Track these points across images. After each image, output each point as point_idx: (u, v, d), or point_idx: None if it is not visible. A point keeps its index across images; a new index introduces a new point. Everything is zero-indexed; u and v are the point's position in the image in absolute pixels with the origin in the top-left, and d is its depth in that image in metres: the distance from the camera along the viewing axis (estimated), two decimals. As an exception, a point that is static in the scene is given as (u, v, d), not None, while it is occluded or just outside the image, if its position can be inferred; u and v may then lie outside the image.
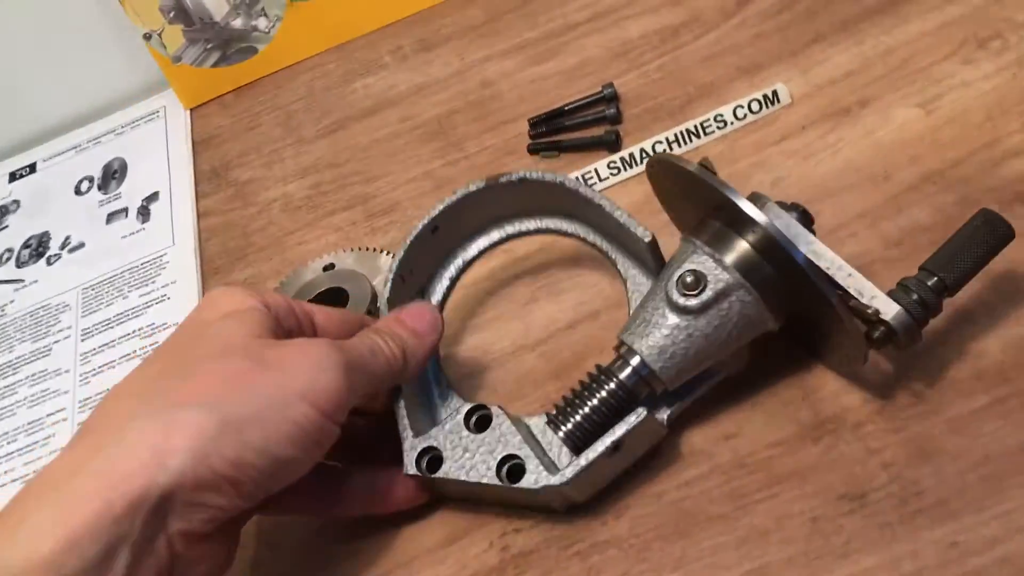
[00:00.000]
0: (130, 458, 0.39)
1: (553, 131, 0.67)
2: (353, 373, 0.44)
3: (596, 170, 0.62)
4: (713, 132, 0.62)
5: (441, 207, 0.53)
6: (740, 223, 0.45)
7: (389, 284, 0.52)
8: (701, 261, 0.46)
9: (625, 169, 0.62)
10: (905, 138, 0.57)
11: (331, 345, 0.44)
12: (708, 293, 0.45)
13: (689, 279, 0.46)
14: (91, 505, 0.38)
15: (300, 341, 0.45)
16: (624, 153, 0.62)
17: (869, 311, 0.43)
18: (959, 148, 0.56)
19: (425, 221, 0.53)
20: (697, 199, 0.48)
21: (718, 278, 0.46)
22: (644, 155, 0.62)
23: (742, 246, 0.46)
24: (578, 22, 0.75)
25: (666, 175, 0.50)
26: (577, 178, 0.62)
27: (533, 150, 0.66)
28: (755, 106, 0.62)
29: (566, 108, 0.67)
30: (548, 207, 0.55)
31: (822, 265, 0.46)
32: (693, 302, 0.46)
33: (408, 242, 0.53)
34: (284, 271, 0.66)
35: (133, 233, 0.73)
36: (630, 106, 0.66)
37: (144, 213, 0.74)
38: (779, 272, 0.45)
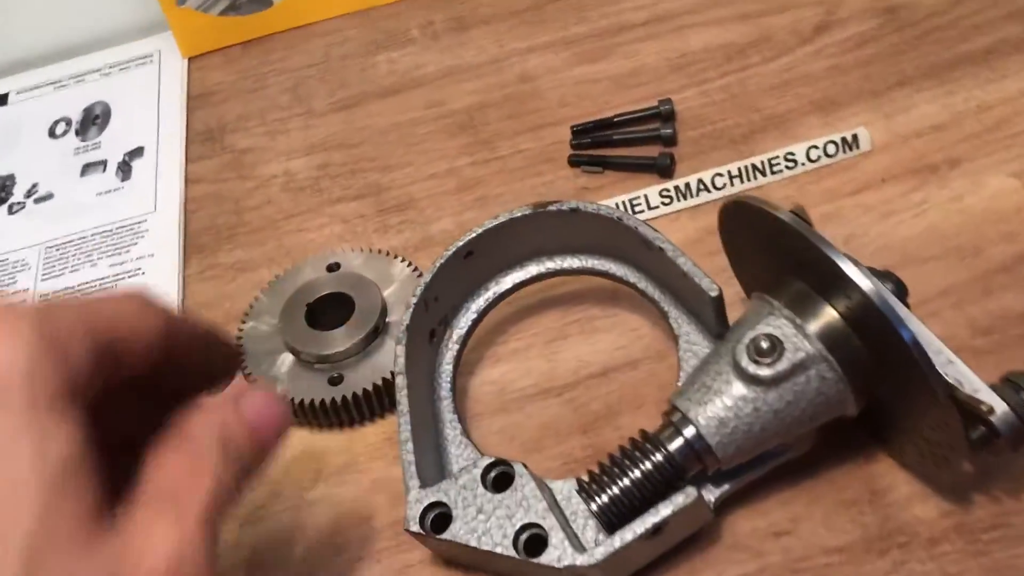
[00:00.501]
0: None
1: (598, 143, 0.60)
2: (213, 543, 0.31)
3: (646, 196, 0.55)
4: (781, 171, 0.55)
5: (479, 231, 0.46)
6: (831, 287, 0.39)
7: (411, 310, 0.45)
8: (779, 325, 0.40)
9: (678, 199, 0.55)
10: (999, 210, 0.51)
11: (192, 531, 0.30)
12: (784, 363, 0.39)
13: (764, 344, 0.39)
14: None
15: (150, 526, 0.30)
16: (679, 182, 0.56)
17: (983, 407, 0.37)
18: (1059, 230, 0.50)
19: (459, 244, 0.46)
20: (779, 252, 0.42)
21: (797, 347, 0.39)
22: (701, 186, 0.55)
23: (829, 314, 0.40)
24: (634, 23, 0.68)
25: (742, 219, 0.44)
26: (624, 203, 0.55)
27: (575, 162, 0.59)
28: (831, 149, 0.55)
29: (615, 119, 0.60)
30: (596, 243, 0.48)
31: (917, 348, 0.39)
32: (765, 372, 0.39)
33: (437, 266, 0.46)
34: (278, 259, 0.58)
35: (110, 191, 0.64)
36: (687, 127, 0.60)
37: (125, 170, 0.66)
38: (871, 349, 0.39)
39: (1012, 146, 0.54)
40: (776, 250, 0.42)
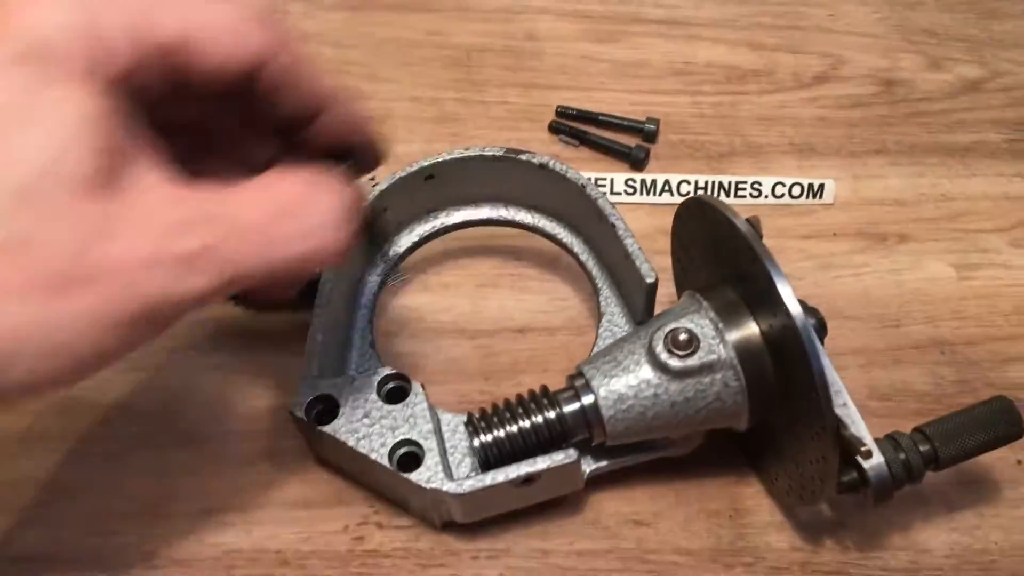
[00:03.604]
0: None
1: (582, 118, 0.60)
2: None
3: (612, 180, 0.56)
4: (744, 197, 0.57)
5: (447, 157, 0.47)
6: (761, 304, 0.40)
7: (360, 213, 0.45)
8: (701, 324, 0.41)
9: (642, 193, 0.56)
10: (929, 293, 0.53)
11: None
12: (695, 360, 0.40)
13: (682, 337, 0.40)
14: None
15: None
16: (647, 176, 0.57)
17: (862, 448, 0.39)
18: (977, 328, 0.52)
19: (424, 164, 0.46)
20: (723, 258, 0.43)
21: (712, 348, 0.40)
22: (666, 187, 0.56)
23: (751, 328, 0.41)
24: (649, 18, 0.68)
25: (699, 217, 0.45)
26: (593, 180, 0.56)
27: (555, 128, 0.60)
28: (796, 190, 0.57)
29: (600, 117, 0.61)
30: (554, 205, 0.49)
31: (821, 384, 0.41)
32: (676, 363, 0.40)
33: (396, 177, 0.46)
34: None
35: None
36: (670, 130, 0.61)
37: None
38: (779, 372, 0.40)
39: (960, 239, 0.56)
40: (721, 255, 0.43)
